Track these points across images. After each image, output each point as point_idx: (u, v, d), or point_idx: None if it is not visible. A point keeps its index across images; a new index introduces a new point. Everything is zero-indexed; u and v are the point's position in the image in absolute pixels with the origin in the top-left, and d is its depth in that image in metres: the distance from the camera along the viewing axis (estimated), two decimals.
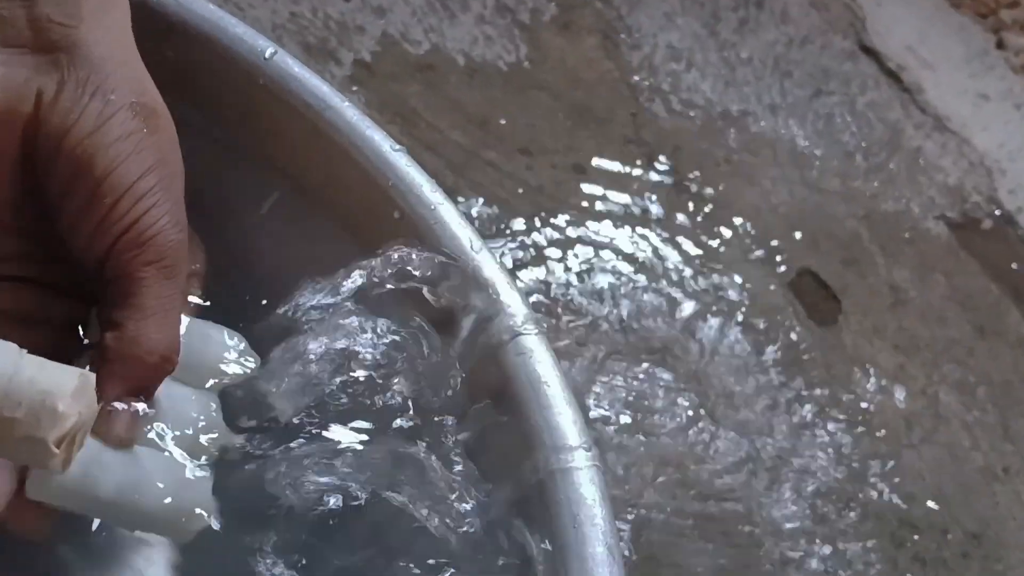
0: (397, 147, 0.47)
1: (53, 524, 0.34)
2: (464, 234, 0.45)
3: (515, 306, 0.43)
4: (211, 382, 0.38)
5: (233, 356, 0.38)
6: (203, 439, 0.36)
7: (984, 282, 1.08)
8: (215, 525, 0.35)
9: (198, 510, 0.35)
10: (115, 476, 0.33)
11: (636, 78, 1.08)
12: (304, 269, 0.47)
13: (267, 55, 0.47)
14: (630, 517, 0.76)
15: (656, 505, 0.77)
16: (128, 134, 0.33)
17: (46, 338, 0.36)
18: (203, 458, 0.36)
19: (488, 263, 0.45)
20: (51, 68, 0.33)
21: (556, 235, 0.90)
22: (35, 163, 0.33)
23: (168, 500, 0.34)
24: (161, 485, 0.34)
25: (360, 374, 0.40)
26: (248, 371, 0.39)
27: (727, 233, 0.99)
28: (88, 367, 0.33)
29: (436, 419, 0.41)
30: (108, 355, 0.33)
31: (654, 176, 1.00)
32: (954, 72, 1.31)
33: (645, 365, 0.86)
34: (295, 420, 0.40)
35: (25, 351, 0.29)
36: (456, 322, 0.44)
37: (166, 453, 0.35)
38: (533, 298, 0.85)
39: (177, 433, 0.36)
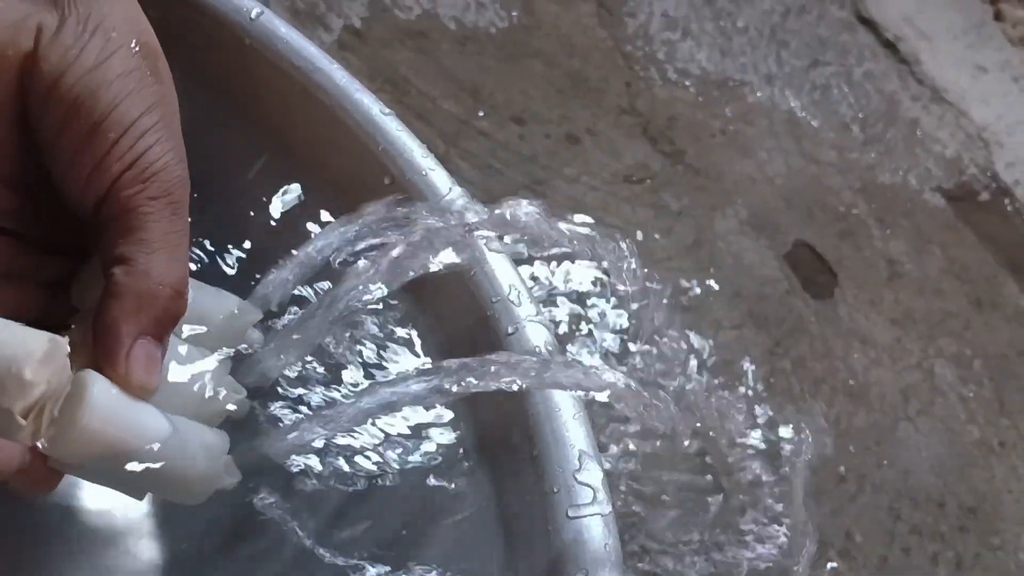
0: (387, 111, 0.46)
1: (57, 481, 0.32)
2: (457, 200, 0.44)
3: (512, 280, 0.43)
4: (222, 350, 0.37)
5: (241, 322, 0.37)
6: (213, 402, 0.35)
7: (981, 255, 1.07)
8: (232, 485, 0.34)
9: (219, 469, 0.33)
10: (132, 428, 0.31)
11: (631, 47, 1.06)
12: (293, 234, 0.46)
13: (253, 15, 0.46)
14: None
15: (637, 473, 0.77)
16: (130, 71, 0.33)
17: (34, 298, 0.35)
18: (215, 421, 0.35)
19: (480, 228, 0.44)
20: (51, 5, 0.32)
21: (549, 206, 0.89)
22: (30, 101, 0.32)
23: (192, 460, 0.33)
24: (183, 445, 0.33)
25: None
26: (253, 343, 0.38)
27: (722, 205, 0.97)
28: (63, 333, 0.32)
29: None
30: (119, 291, 0.32)
31: (648, 147, 0.99)
32: (952, 43, 1.30)
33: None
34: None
35: None
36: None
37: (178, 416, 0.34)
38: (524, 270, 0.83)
39: (186, 394, 0.34)
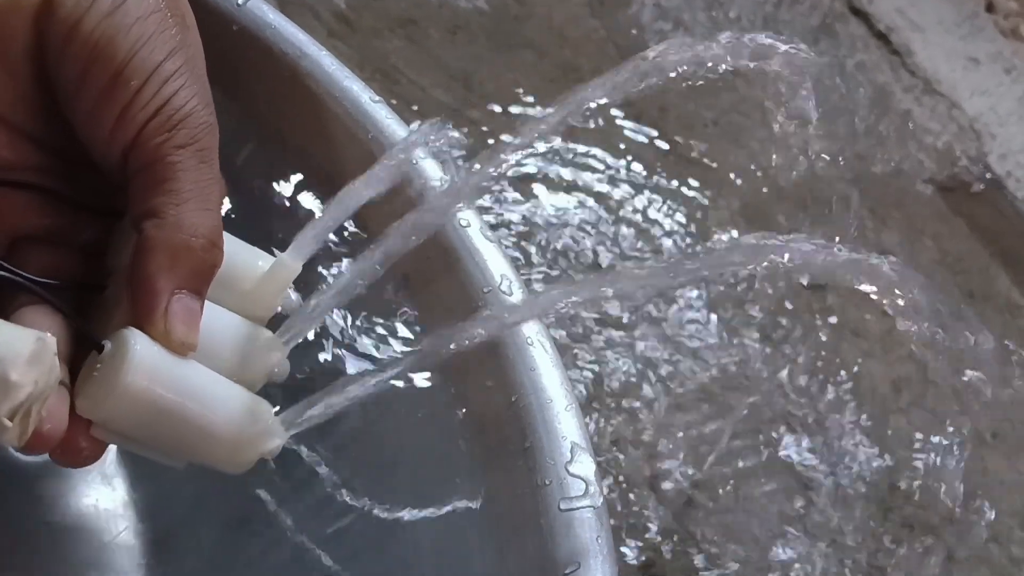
0: (376, 98, 0.46)
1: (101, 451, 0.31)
2: (439, 176, 0.44)
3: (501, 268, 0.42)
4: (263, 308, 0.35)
5: (280, 276, 0.35)
6: (255, 364, 0.33)
7: (973, 246, 1.07)
8: (275, 452, 0.33)
9: (264, 433, 0.32)
10: (177, 386, 0.30)
11: (623, 38, 1.06)
12: (281, 223, 0.45)
13: (241, 1, 0.45)
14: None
15: (650, 472, 0.76)
16: (148, 14, 0.31)
17: (71, 260, 0.34)
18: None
19: (473, 220, 0.43)
20: None
21: (541, 196, 0.88)
22: (47, 52, 0.31)
23: (238, 422, 0.32)
24: (226, 403, 0.32)
25: None
26: (290, 304, 0.36)
27: (714, 195, 0.97)
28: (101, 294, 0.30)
29: None
30: (151, 244, 0.31)
31: (641, 137, 0.98)
32: (944, 35, 1.30)
33: (628, 329, 0.84)
34: None
35: None
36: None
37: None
38: (515, 257, 0.83)
39: (226, 355, 0.33)
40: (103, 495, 0.41)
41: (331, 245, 0.38)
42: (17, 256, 0.32)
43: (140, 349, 0.29)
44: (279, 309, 0.36)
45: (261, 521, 0.40)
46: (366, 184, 0.38)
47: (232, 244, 0.34)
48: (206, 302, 0.32)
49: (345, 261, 0.42)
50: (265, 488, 0.40)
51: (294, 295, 0.36)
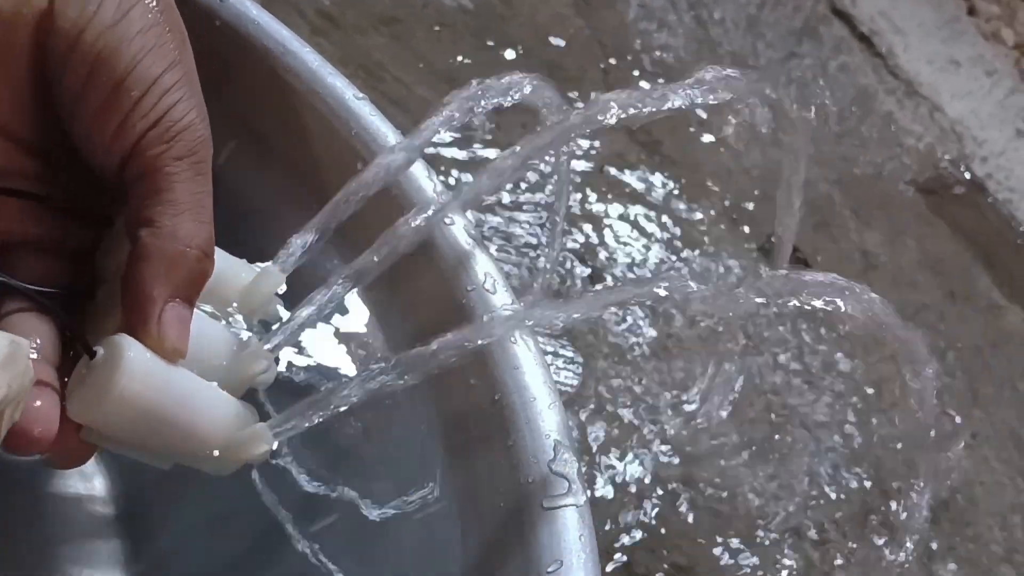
0: (360, 95, 0.46)
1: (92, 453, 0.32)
2: (429, 185, 0.44)
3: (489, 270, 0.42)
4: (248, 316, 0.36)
5: (265, 287, 0.36)
6: (240, 371, 0.34)
7: (955, 247, 1.08)
8: (264, 457, 0.34)
9: (251, 439, 0.33)
10: (168, 392, 0.31)
11: (608, 37, 1.06)
12: (264, 222, 0.45)
13: None
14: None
15: (632, 472, 0.76)
16: (149, 27, 0.32)
17: (60, 267, 0.34)
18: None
19: (457, 219, 0.43)
20: None
21: (523, 195, 0.88)
22: (47, 61, 0.32)
23: (225, 428, 0.32)
24: (215, 410, 0.32)
25: None
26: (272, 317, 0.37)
27: (697, 195, 0.97)
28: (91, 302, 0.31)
29: None
30: (147, 252, 0.31)
31: (625, 137, 0.98)
32: (925, 37, 1.31)
33: (610, 328, 0.84)
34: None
35: None
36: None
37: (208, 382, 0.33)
38: (494, 249, 0.83)
39: (213, 362, 0.34)
40: (84, 490, 0.40)
41: (318, 254, 0.38)
42: (6, 263, 0.33)
43: (133, 355, 0.30)
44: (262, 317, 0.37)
45: (243, 517, 0.40)
46: (354, 193, 0.39)
47: (218, 255, 0.35)
48: (194, 310, 0.33)
49: (332, 268, 0.42)
50: (248, 484, 0.40)
51: (278, 305, 0.37)
